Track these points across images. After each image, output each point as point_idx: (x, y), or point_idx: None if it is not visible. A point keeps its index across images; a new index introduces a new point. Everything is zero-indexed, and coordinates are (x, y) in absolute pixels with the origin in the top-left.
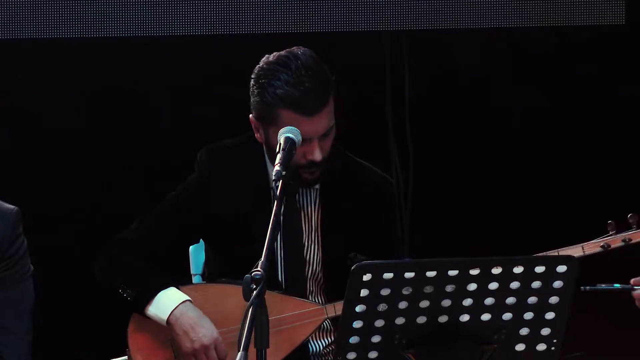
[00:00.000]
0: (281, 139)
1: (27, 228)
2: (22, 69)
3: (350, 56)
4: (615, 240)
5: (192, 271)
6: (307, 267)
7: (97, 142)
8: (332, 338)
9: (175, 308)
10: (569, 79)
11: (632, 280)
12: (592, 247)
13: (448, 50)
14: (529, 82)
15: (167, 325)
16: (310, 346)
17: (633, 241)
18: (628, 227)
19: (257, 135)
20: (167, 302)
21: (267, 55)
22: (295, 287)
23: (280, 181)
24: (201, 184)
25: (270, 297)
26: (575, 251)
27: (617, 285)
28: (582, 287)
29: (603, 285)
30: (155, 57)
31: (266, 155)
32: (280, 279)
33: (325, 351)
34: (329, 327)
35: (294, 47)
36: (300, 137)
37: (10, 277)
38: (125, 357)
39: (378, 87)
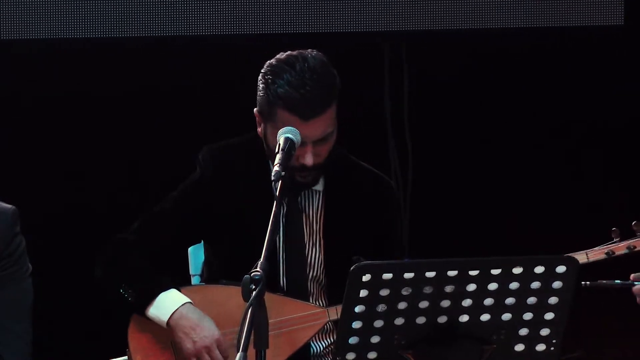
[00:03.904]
0: (280, 140)
1: (26, 228)
2: (21, 69)
3: (349, 56)
4: (620, 248)
5: (191, 272)
6: (308, 269)
7: (97, 142)
8: (333, 339)
9: (176, 310)
10: (569, 79)
11: (631, 276)
12: (597, 254)
13: (447, 50)
14: (529, 81)
15: (167, 327)
16: (312, 347)
17: (638, 249)
18: (632, 235)
19: (258, 129)
20: (167, 303)
21: (281, 52)
22: (297, 289)
23: (280, 181)
24: (203, 183)
25: (272, 299)
26: (580, 258)
27: (617, 282)
28: (582, 283)
29: (604, 281)
30: (156, 57)
31: (266, 152)
32: (282, 280)
33: (325, 352)
34: (330, 328)
35: (308, 49)
36: (299, 138)
37: (8, 276)
38: (125, 357)
39: (377, 87)
